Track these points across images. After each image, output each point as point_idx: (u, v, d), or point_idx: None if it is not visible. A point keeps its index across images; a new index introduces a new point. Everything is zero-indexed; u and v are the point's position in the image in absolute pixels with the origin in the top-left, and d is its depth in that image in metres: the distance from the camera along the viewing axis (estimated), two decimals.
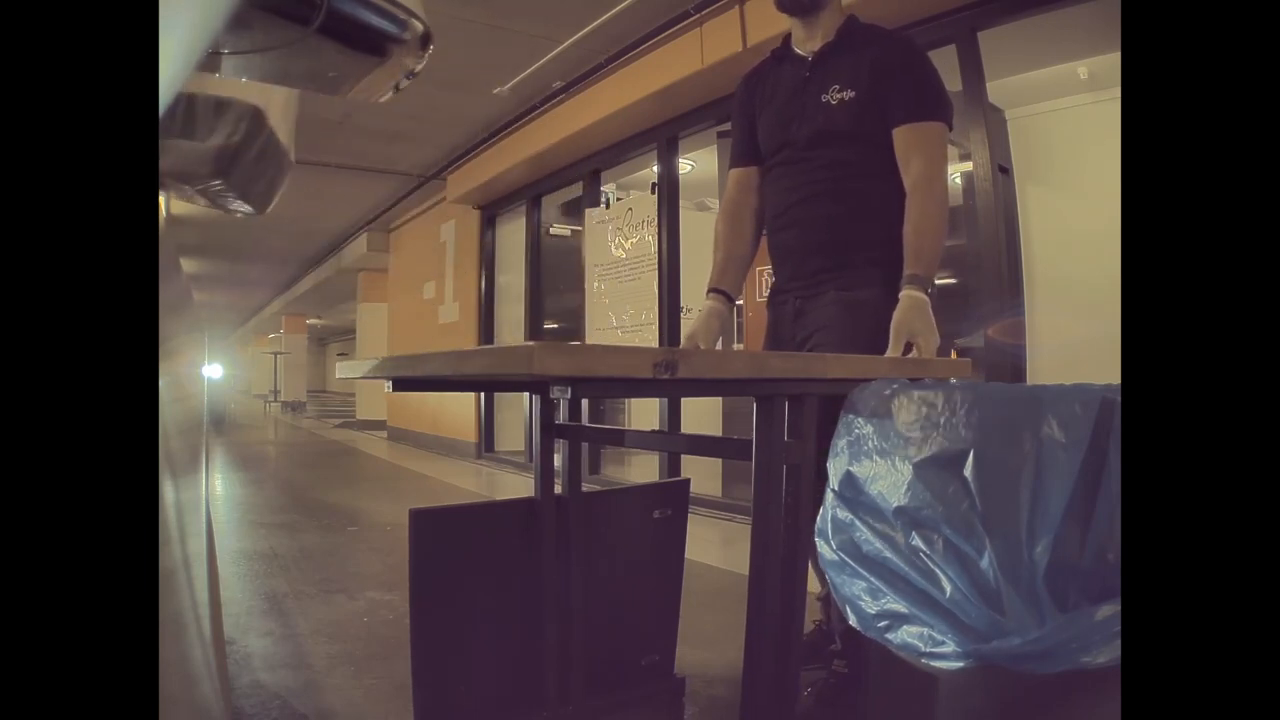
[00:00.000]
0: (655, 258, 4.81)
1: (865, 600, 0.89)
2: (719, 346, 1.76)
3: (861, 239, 1.58)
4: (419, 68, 0.72)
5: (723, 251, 1.78)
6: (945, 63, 3.16)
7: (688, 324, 4.91)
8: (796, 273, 1.67)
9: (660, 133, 4.81)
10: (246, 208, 0.92)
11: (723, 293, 1.75)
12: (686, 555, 1.67)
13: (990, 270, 3.15)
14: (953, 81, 3.22)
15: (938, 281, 1.54)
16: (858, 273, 1.57)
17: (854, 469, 0.93)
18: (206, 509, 1.16)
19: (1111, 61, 3.42)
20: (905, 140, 1.56)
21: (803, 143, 1.64)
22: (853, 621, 0.91)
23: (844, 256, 1.60)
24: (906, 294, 1.48)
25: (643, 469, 5.88)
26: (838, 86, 1.61)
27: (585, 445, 1.79)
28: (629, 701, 1.58)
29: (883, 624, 0.87)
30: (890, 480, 0.88)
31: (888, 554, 0.87)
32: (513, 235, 6.95)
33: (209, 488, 1.75)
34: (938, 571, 0.82)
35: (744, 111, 1.81)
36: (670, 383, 0.93)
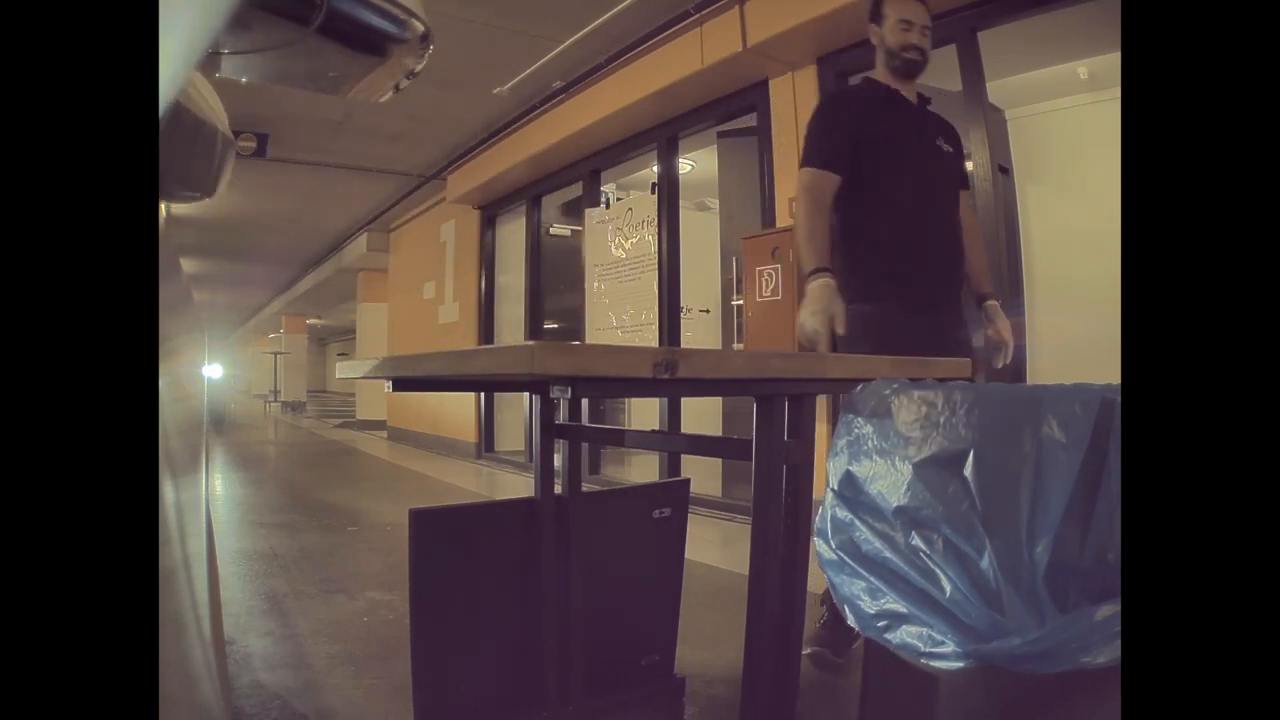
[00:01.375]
0: (655, 258, 4.81)
1: (864, 600, 0.89)
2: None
3: (962, 269, 2.11)
4: (419, 68, 0.72)
5: (818, 239, 1.99)
6: (945, 63, 3.16)
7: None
8: (937, 288, 2.03)
9: (660, 133, 4.81)
10: (190, 192, 0.86)
11: (830, 270, 1.97)
12: (686, 555, 1.67)
13: (990, 270, 3.15)
14: (953, 81, 3.22)
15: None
16: (960, 296, 2.13)
17: (854, 469, 0.93)
18: (206, 509, 1.16)
19: (1111, 61, 3.42)
20: (965, 200, 2.17)
21: (925, 177, 2.03)
22: (851, 621, 0.91)
23: (960, 281, 2.11)
24: (996, 304, 2.14)
25: (643, 469, 5.88)
26: (942, 140, 2.09)
27: (585, 445, 1.80)
28: (629, 701, 1.58)
29: (882, 624, 0.86)
30: (890, 480, 0.88)
31: (887, 554, 0.87)
32: (513, 235, 6.95)
33: (209, 488, 1.75)
34: (938, 571, 0.82)
35: (850, 129, 2.02)
36: (670, 383, 0.93)
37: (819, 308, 1.86)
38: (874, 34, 2.06)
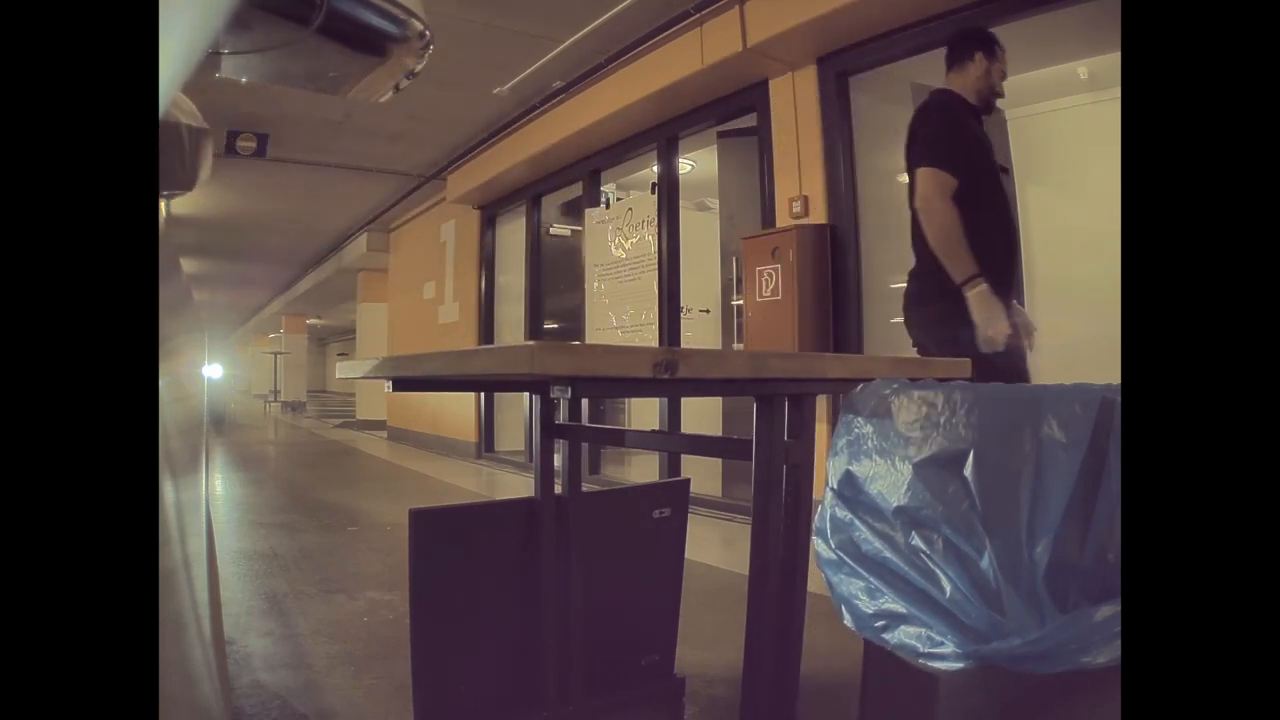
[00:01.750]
0: (655, 258, 4.81)
1: (862, 600, 0.89)
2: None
3: None
4: (419, 68, 0.72)
5: (961, 240, 2.08)
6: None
7: (685, 324, 4.91)
8: (1017, 284, 2.29)
9: (660, 133, 4.81)
10: (165, 190, 0.84)
11: (982, 275, 2.07)
12: (686, 555, 1.67)
13: None
14: None
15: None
16: None
17: (854, 468, 0.93)
18: (206, 509, 1.16)
19: (1111, 61, 3.42)
20: None
21: (1002, 185, 2.23)
22: (848, 622, 0.91)
23: None
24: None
25: (643, 469, 5.88)
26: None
27: (585, 445, 1.80)
28: (629, 701, 1.58)
29: (879, 624, 0.86)
30: (890, 480, 0.88)
31: (887, 554, 0.87)
32: (513, 235, 6.94)
33: (209, 488, 1.75)
34: (937, 571, 0.82)
35: (965, 134, 2.18)
36: (670, 383, 0.93)
37: (996, 314, 2.03)
38: (980, 63, 2.25)
